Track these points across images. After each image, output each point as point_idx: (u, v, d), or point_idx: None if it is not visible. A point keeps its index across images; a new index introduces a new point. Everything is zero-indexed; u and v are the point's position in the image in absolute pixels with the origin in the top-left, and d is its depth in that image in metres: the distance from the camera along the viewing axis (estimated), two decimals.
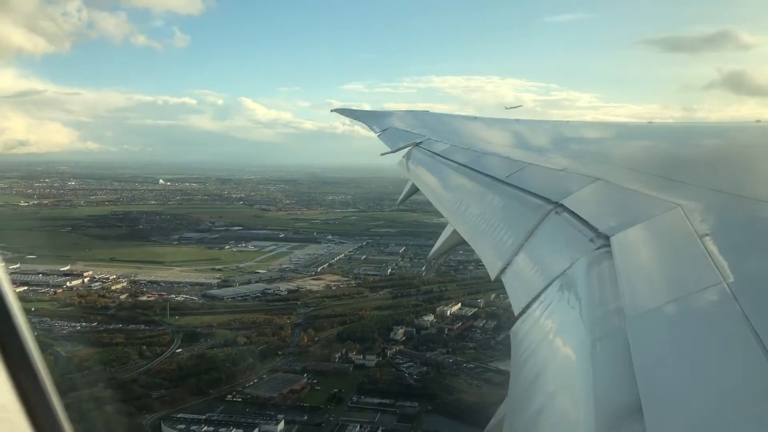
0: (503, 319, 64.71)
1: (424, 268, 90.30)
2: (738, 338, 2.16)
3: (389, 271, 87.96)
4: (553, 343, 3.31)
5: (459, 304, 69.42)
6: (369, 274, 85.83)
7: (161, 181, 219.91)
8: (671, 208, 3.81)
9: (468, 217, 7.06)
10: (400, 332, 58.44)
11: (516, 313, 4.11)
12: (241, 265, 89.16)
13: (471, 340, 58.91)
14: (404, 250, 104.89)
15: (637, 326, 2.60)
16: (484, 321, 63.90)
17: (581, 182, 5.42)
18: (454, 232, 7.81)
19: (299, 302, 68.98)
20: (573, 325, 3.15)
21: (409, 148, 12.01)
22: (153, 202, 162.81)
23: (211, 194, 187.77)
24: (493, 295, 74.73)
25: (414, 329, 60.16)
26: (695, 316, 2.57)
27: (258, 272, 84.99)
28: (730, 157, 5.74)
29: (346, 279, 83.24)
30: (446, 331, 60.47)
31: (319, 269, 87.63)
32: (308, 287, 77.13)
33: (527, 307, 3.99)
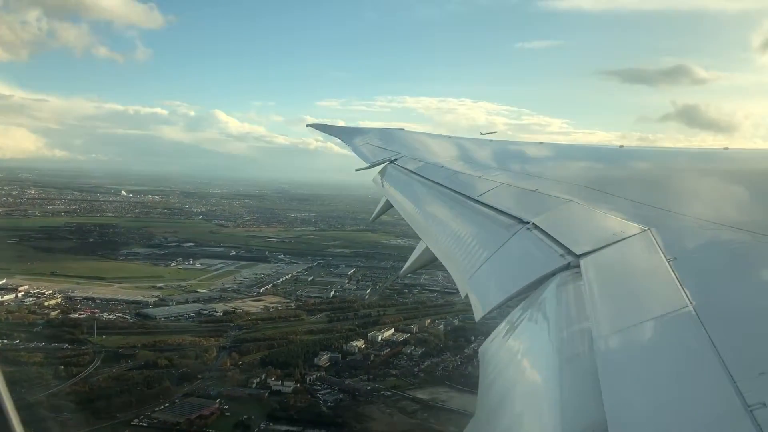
0: (432, 345, 65.56)
1: (368, 291, 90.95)
2: (702, 361, 2.23)
3: (332, 293, 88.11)
4: (521, 363, 3.35)
5: (392, 330, 69.81)
6: (311, 296, 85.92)
7: (123, 192, 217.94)
8: (640, 231, 3.91)
9: (440, 234, 7.18)
10: (324, 358, 58.57)
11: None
12: (183, 284, 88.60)
13: (395, 366, 59.29)
14: (353, 272, 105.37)
15: (605, 348, 2.65)
16: (413, 347, 64.38)
17: (553, 203, 5.53)
18: (427, 249, 7.87)
19: (232, 324, 68.83)
20: (541, 345, 3.22)
21: (384, 164, 12.09)
22: (110, 214, 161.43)
23: (172, 208, 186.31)
24: (428, 321, 75.56)
25: (340, 355, 60.36)
26: (661, 339, 2.62)
27: (198, 291, 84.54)
28: (700, 182, 5.94)
29: (287, 301, 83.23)
30: (372, 357, 60.74)
31: (261, 290, 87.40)
32: (246, 308, 76.94)
33: (495, 326, 3.96)
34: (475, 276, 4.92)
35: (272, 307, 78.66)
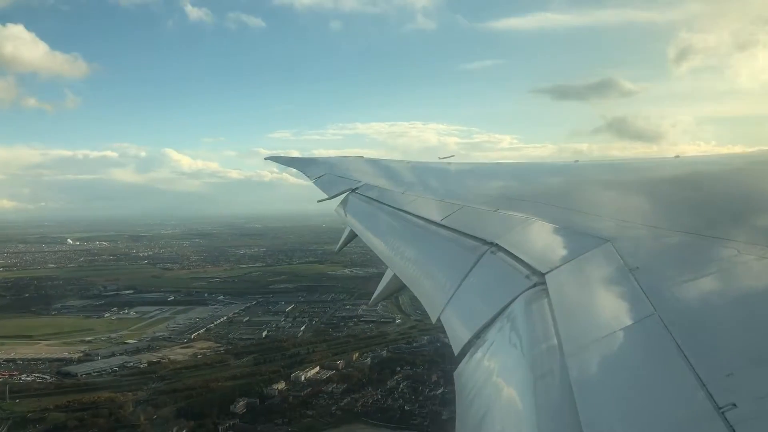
0: (354, 381, 65.97)
1: (303, 328, 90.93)
2: (671, 366, 2.30)
3: (264, 334, 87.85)
4: (496, 383, 3.36)
5: (317, 368, 69.97)
6: (243, 339, 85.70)
7: (69, 240, 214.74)
8: (601, 244, 3.98)
9: (406, 261, 7.15)
10: (240, 404, 58.41)
11: (456, 353, 4.11)
12: (113, 335, 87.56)
13: (313, 407, 59.42)
14: (292, 308, 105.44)
15: (577, 361, 2.70)
16: (335, 384, 64.69)
17: (514, 222, 5.58)
18: (394, 276, 7.70)
19: (155, 375, 68.33)
20: (515, 364, 3.24)
21: (346, 194, 11.89)
22: (52, 265, 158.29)
23: (119, 253, 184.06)
24: (356, 355, 75.98)
25: (258, 400, 60.31)
26: (631, 348, 2.68)
27: (128, 342, 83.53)
28: (656, 191, 6.00)
29: (218, 345, 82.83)
30: (290, 399, 60.83)
31: (192, 336, 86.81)
32: (173, 357, 76.45)
33: (468, 348, 3.97)
34: (448, 308, 4.83)
35: (200, 354, 78.24)
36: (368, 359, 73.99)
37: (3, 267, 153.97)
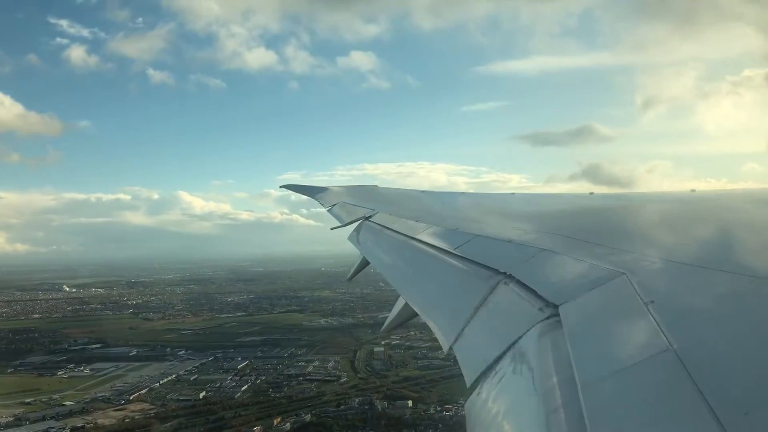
0: None
1: (244, 387, 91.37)
2: (688, 404, 2.24)
3: (202, 395, 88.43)
4: (508, 416, 3.31)
5: None
6: (179, 400, 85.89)
7: (66, 287, 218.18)
8: (616, 276, 3.93)
9: (417, 289, 7.19)
10: None
11: (468, 384, 4.06)
12: (55, 396, 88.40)
13: None
14: (246, 364, 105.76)
15: (590, 396, 2.65)
16: None
17: (528, 252, 5.51)
18: (406, 305, 7.67)
19: None
20: (527, 397, 3.18)
21: (360, 221, 11.87)
22: (37, 315, 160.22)
23: (109, 301, 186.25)
24: (277, 420, 75.94)
25: None
26: (646, 383, 2.59)
27: (65, 405, 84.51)
28: (671, 224, 5.94)
29: (151, 407, 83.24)
30: None
31: (132, 397, 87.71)
32: (101, 421, 77.27)
33: (479, 380, 3.95)
34: (459, 338, 4.80)
35: (129, 417, 78.93)
36: (287, 424, 74.09)
37: None
